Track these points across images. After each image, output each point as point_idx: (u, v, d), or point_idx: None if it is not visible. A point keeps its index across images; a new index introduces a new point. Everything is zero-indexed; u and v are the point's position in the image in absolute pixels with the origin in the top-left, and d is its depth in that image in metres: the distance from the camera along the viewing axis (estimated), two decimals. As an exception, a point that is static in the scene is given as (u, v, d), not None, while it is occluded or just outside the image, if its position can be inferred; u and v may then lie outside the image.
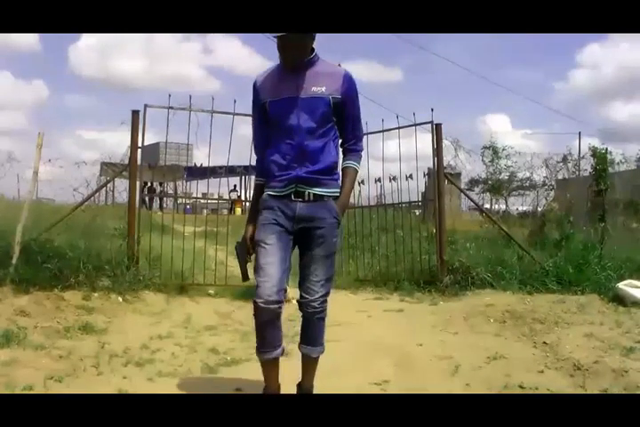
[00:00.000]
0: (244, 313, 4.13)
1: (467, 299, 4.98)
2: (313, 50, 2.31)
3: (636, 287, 4.66)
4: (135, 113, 5.22)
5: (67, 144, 76.73)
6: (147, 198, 13.00)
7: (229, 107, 5.38)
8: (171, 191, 20.21)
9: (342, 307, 4.51)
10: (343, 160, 2.45)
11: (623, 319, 4.10)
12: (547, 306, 4.42)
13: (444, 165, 5.78)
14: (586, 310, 4.37)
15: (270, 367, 2.37)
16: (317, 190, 2.32)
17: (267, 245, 2.28)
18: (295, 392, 2.53)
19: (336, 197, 2.37)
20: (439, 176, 5.69)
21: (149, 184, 14.93)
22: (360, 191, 6.27)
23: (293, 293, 2.75)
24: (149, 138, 5.44)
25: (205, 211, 15.19)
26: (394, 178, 6.10)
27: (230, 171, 5.98)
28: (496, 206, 9.07)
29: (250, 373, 2.84)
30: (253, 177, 2.58)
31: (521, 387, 2.91)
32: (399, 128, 5.86)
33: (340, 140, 2.45)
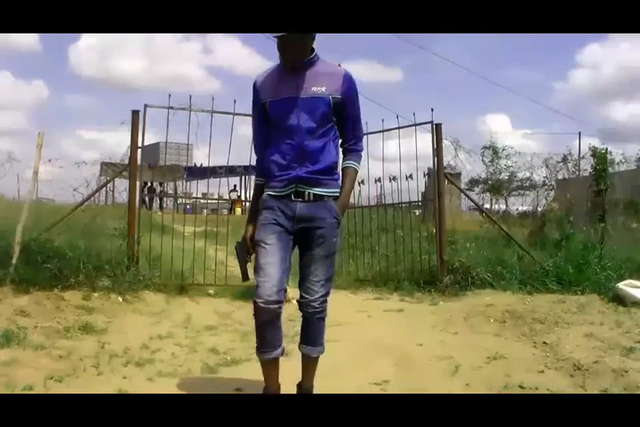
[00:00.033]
0: (244, 313, 4.13)
1: (467, 299, 4.98)
2: (313, 50, 2.31)
3: (636, 287, 4.66)
4: (135, 113, 5.22)
5: (67, 144, 76.84)
6: (147, 198, 13.00)
7: (229, 107, 5.38)
8: (171, 191, 20.22)
9: (342, 307, 4.51)
10: (343, 160, 2.45)
11: (623, 319, 4.10)
12: (547, 306, 4.42)
13: (444, 165, 5.78)
14: (586, 310, 4.37)
15: (270, 367, 2.37)
16: (317, 190, 2.32)
17: (267, 245, 2.28)
18: (295, 392, 2.53)
19: (336, 197, 2.37)
20: (439, 176, 5.69)
21: (149, 184, 14.94)
22: (360, 191, 6.28)
23: (293, 293, 2.75)
24: (149, 138, 5.46)
25: (205, 211, 15.20)
26: (394, 178, 6.10)
27: (230, 171, 5.98)
28: (496, 206, 9.07)
29: (250, 373, 2.84)
30: (253, 177, 2.58)
31: (521, 387, 2.91)
32: (399, 128, 5.86)
33: (340, 140, 2.45)
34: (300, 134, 2.28)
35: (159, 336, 3.86)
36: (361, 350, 3.60)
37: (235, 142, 6.19)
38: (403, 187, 6.02)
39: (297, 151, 2.28)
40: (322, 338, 2.47)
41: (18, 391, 2.67)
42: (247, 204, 5.59)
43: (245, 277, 2.51)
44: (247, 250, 2.41)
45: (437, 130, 5.65)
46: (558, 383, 2.96)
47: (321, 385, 2.53)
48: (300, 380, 2.52)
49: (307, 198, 2.31)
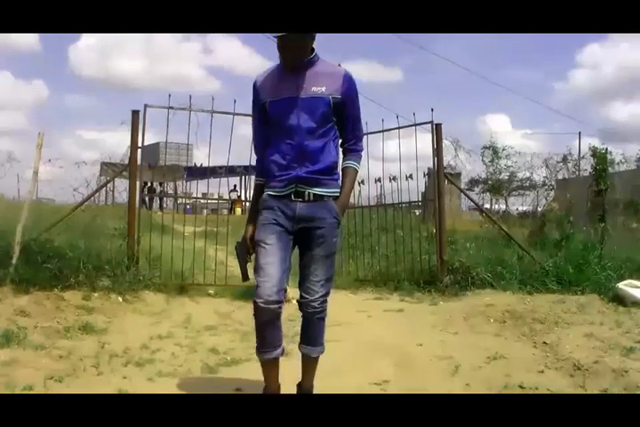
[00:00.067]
0: (244, 313, 4.13)
1: (467, 299, 4.98)
2: (313, 50, 2.31)
3: (636, 287, 4.66)
4: (135, 113, 5.22)
5: (67, 144, 76.84)
6: (147, 198, 13.00)
7: (229, 107, 5.39)
8: (171, 191, 20.22)
9: (342, 307, 4.51)
10: (343, 160, 2.45)
11: (623, 319, 4.10)
12: (547, 306, 4.42)
13: (444, 165, 5.78)
14: (586, 310, 4.37)
15: (270, 367, 2.37)
16: (317, 190, 2.31)
17: (267, 245, 2.28)
18: (295, 392, 2.53)
19: (336, 197, 2.36)
20: (439, 176, 5.69)
21: (149, 184, 14.93)
22: (360, 191, 6.28)
23: (293, 292, 2.75)
24: (149, 138, 5.46)
25: (205, 211, 15.20)
26: (394, 178, 6.11)
27: (230, 171, 5.98)
28: (496, 206, 9.07)
29: (250, 373, 2.84)
30: (253, 177, 2.58)
31: (521, 387, 2.91)
32: (399, 128, 5.86)
33: (340, 140, 2.44)
34: (300, 134, 2.28)
35: (159, 336, 3.86)
36: (361, 350, 3.60)
37: (235, 142, 6.21)
38: (403, 187, 6.03)
39: (297, 151, 2.28)
40: (322, 338, 2.47)
41: (18, 391, 2.67)
42: (247, 204, 5.60)
43: (245, 277, 2.51)
44: (247, 250, 2.41)
45: (437, 130, 5.65)
46: (558, 383, 2.95)
47: (321, 385, 2.53)
48: (299, 380, 2.52)
49: (307, 198, 2.31)
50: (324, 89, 2.28)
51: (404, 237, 6.01)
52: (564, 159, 7.99)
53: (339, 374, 2.98)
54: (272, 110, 2.33)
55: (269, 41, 2.27)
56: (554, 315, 4.20)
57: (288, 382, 2.53)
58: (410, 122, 5.77)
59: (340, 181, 2.40)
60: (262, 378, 2.42)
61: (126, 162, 5.39)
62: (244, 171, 7.33)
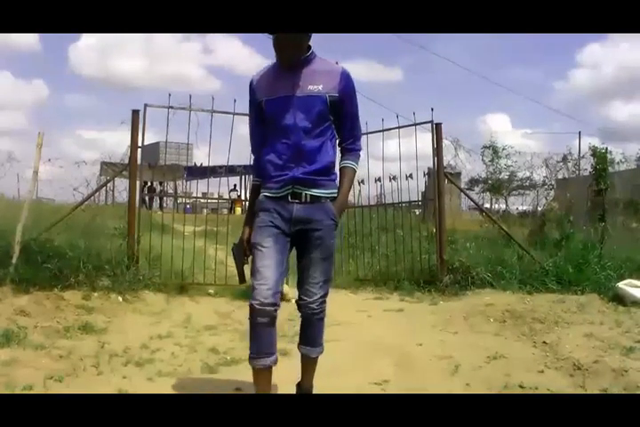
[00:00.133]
0: (244, 313, 4.07)
1: (467, 299, 4.98)
2: (309, 47, 2.27)
3: (636, 287, 4.67)
4: (135, 112, 5.22)
5: (67, 144, 76.87)
6: (147, 198, 12.99)
7: (229, 106, 5.40)
8: (171, 191, 20.20)
9: (342, 307, 4.51)
10: (341, 160, 2.41)
11: (623, 319, 4.10)
12: (547, 306, 4.42)
13: (444, 164, 5.78)
14: (586, 310, 4.37)
15: (261, 376, 2.25)
16: (314, 192, 2.28)
17: (263, 248, 2.24)
18: (295, 392, 2.53)
19: (334, 198, 2.33)
20: (439, 176, 5.69)
21: (149, 184, 14.93)
22: (360, 191, 6.29)
23: (293, 292, 2.75)
24: (149, 137, 5.46)
25: (205, 210, 15.20)
26: (394, 177, 6.11)
27: (230, 170, 5.99)
28: (496, 206, 9.06)
29: (250, 373, 2.82)
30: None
31: (521, 387, 2.91)
32: (399, 128, 5.87)
33: (338, 140, 2.41)
34: (297, 134, 2.24)
35: (159, 336, 3.86)
36: (361, 349, 3.60)
37: (235, 142, 6.21)
38: (403, 186, 6.05)
39: (293, 151, 2.25)
40: (321, 338, 2.46)
41: (18, 391, 2.67)
42: (247, 203, 5.59)
43: (242, 279, 2.49)
44: (244, 252, 2.39)
45: (437, 129, 5.65)
46: (558, 383, 2.95)
47: (321, 385, 2.53)
48: (299, 380, 2.52)
49: (303, 200, 2.27)
50: (320, 87, 2.24)
51: (404, 237, 6.01)
52: (564, 159, 7.98)
53: (339, 374, 2.97)
54: (268, 109, 2.29)
55: (270, 41, 2.25)
56: (554, 314, 4.20)
57: (288, 382, 2.53)
58: (410, 121, 5.79)
59: (337, 182, 2.37)
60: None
61: (126, 161, 5.39)
62: (243, 170, 7.35)
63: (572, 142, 27.07)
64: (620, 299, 4.61)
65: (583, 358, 3.21)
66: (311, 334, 2.43)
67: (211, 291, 5.22)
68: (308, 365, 2.49)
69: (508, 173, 8.94)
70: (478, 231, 6.90)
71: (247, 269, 2.41)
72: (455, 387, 2.93)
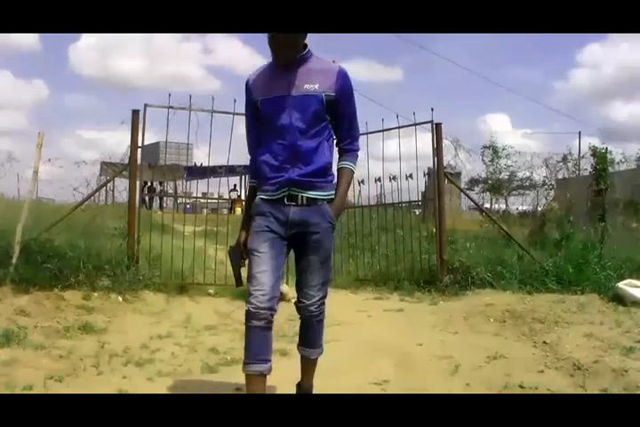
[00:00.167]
0: (244, 313, 4.13)
1: (467, 299, 4.98)
2: (306, 46, 2.23)
3: (636, 287, 4.67)
4: (135, 112, 5.22)
5: (67, 144, 76.84)
6: (147, 198, 12.99)
7: (229, 106, 5.40)
8: (171, 191, 20.19)
9: (342, 307, 4.52)
10: (338, 160, 2.37)
11: (623, 319, 4.10)
12: (547, 306, 4.42)
13: (444, 164, 5.78)
14: (586, 310, 4.37)
15: (253, 383, 2.16)
16: (311, 194, 2.24)
17: (259, 254, 2.20)
18: (295, 392, 2.53)
19: (331, 200, 2.29)
20: (439, 176, 5.69)
21: (149, 184, 14.92)
22: (360, 191, 6.29)
23: (292, 292, 2.75)
24: (149, 137, 5.46)
25: (205, 210, 15.19)
26: (394, 177, 6.11)
27: (230, 170, 5.98)
28: (496, 206, 9.06)
29: (250, 373, 2.84)
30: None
31: (521, 387, 2.91)
32: (399, 128, 5.87)
33: (336, 140, 2.38)
34: (293, 134, 2.21)
35: (159, 336, 3.86)
36: (361, 349, 3.60)
37: (235, 142, 6.19)
38: (403, 186, 6.04)
39: (289, 152, 2.21)
40: (320, 340, 2.45)
41: (18, 391, 2.67)
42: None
43: (239, 282, 2.47)
44: (240, 255, 2.37)
45: (437, 129, 5.65)
46: (558, 383, 2.95)
47: (321, 385, 2.53)
48: (299, 380, 2.52)
49: (300, 202, 2.23)
50: (316, 86, 2.21)
51: (404, 237, 6.01)
52: (564, 159, 7.98)
53: (339, 374, 2.97)
54: (264, 109, 2.26)
55: (268, 40, 2.24)
56: (554, 314, 4.20)
57: (288, 382, 2.53)
58: (410, 121, 5.79)
59: (334, 183, 2.32)
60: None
61: (126, 161, 5.39)
62: (243, 170, 7.31)
63: (572, 142, 27.07)
64: (620, 299, 4.62)
65: (583, 358, 3.21)
66: (311, 335, 2.42)
67: (211, 291, 5.22)
68: (308, 366, 2.48)
69: (508, 173, 8.96)
70: (478, 231, 6.90)
71: (244, 271, 2.40)
72: (455, 387, 2.93)
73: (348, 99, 2.31)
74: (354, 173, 2.40)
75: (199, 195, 12.30)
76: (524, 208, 8.35)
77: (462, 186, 7.02)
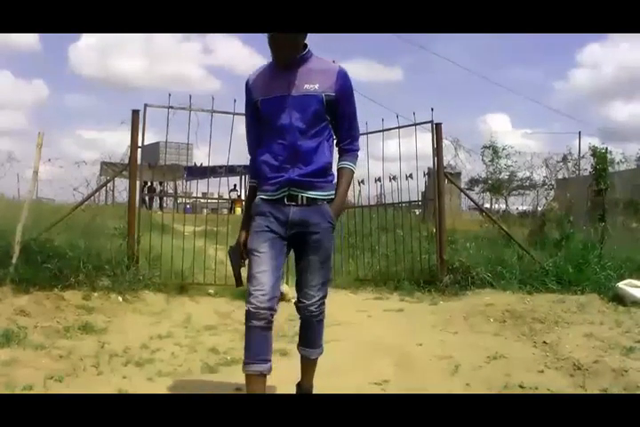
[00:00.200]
0: (244, 313, 4.13)
1: (467, 298, 4.98)
2: (306, 46, 2.23)
3: (636, 287, 4.67)
4: (135, 112, 5.22)
5: (67, 144, 76.85)
6: (147, 198, 12.98)
7: (229, 106, 5.40)
8: (171, 191, 20.19)
9: (342, 307, 4.52)
10: (338, 160, 2.37)
11: (623, 319, 4.10)
12: (547, 306, 4.42)
13: (444, 164, 5.78)
14: (586, 310, 4.37)
15: (253, 383, 2.16)
16: (311, 194, 2.24)
17: (259, 254, 2.20)
18: (295, 392, 2.53)
19: (331, 200, 2.29)
20: (439, 176, 5.69)
21: (149, 184, 14.92)
22: (360, 191, 6.29)
23: (293, 292, 2.75)
24: (149, 137, 5.46)
25: (205, 210, 15.19)
26: (394, 177, 6.11)
27: (230, 170, 5.98)
28: (496, 206, 9.06)
29: (250, 373, 2.83)
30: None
31: (521, 387, 2.91)
32: (399, 128, 5.87)
33: (336, 140, 2.38)
34: (293, 134, 2.20)
35: (159, 336, 3.86)
36: (361, 349, 3.60)
37: (235, 142, 6.20)
38: (403, 186, 6.05)
39: (289, 152, 2.21)
40: (320, 340, 2.45)
41: (18, 391, 2.67)
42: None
43: (239, 282, 2.47)
44: (240, 255, 2.36)
45: (437, 129, 5.65)
46: (558, 383, 2.95)
47: (321, 385, 2.53)
48: (299, 380, 2.52)
49: (300, 202, 2.23)
50: (316, 86, 2.20)
51: (404, 237, 6.01)
52: (564, 159, 7.98)
53: (339, 374, 2.97)
54: (264, 109, 2.26)
55: (268, 40, 2.24)
56: (554, 314, 4.20)
57: (288, 382, 2.53)
58: (410, 121, 5.79)
59: (334, 183, 2.32)
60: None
61: (126, 161, 5.40)
62: (243, 170, 7.31)
63: (572, 142, 27.08)
64: (620, 299, 4.62)
65: (583, 358, 3.21)
66: (311, 335, 2.42)
67: (211, 291, 5.22)
68: (308, 366, 2.48)
69: (508, 173, 8.96)
70: (478, 231, 6.90)
71: (244, 271, 2.40)
72: (455, 387, 2.93)
73: (348, 99, 2.31)
74: (354, 173, 2.40)
75: (199, 195, 12.30)
76: (524, 208, 8.35)
77: (462, 186, 7.02)
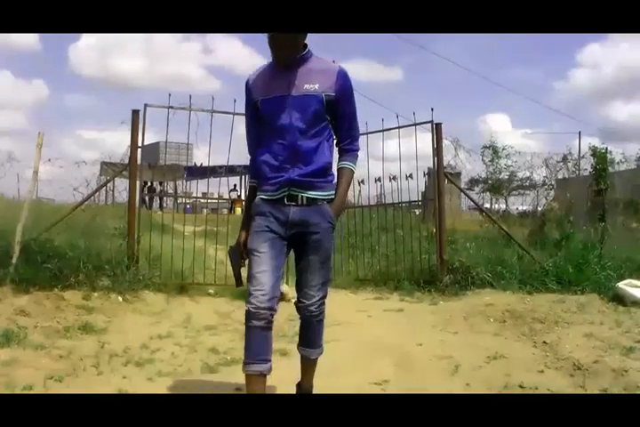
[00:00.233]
0: (244, 313, 4.13)
1: (467, 298, 4.98)
2: (306, 46, 2.23)
3: (636, 287, 4.67)
4: (135, 112, 5.22)
5: (67, 144, 76.86)
6: (147, 198, 12.98)
7: (229, 106, 5.40)
8: (171, 191, 20.19)
9: (342, 307, 4.52)
10: (338, 160, 2.37)
11: (623, 319, 4.10)
12: (547, 306, 4.42)
13: (444, 164, 5.78)
14: (586, 310, 4.37)
15: (253, 383, 2.16)
16: (311, 194, 2.24)
17: (259, 254, 2.20)
18: (295, 392, 2.53)
19: (331, 200, 2.29)
20: (439, 176, 5.69)
21: (149, 184, 14.92)
22: (360, 191, 6.29)
23: (293, 292, 2.75)
24: (149, 137, 5.47)
25: (205, 210, 15.19)
26: (394, 177, 6.12)
27: (230, 170, 5.98)
28: (496, 206, 9.06)
29: (250, 373, 2.83)
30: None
31: (521, 387, 2.91)
32: (399, 128, 5.87)
33: (336, 140, 2.38)
34: (293, 134, 2.20)
35: (159, 336, 3.86)
36: (361, 349, 3.60)
37: (235, 142, 6.20)
38: (403, 186, 6.05)
39: (289, 151, 2.21)
40: (320, 340, 2.45)
41: (18, 391, 2.67)
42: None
43: (239, 282, 2.47)
44: (240, 255, 2.36)
45: (437, 129, 5.65)
46: (558, 383, 2.95)
47: (321, 385, 2.53)
48: (299, 380, 2.52)
49: (300, 202, 2.23)
50: (316, 86, 2.20)
51: (404, 237, 6.01)
52: (564, 159, 7.98)
53: (339, 374, 2.97)
54: (264, 109, 2.26)
55: (268, 40, 2.24)
56: (554, 314, 4.20)
57: (288, 382, 2.53)
58: (410, 121, 5.79)
59: (334, 183, 2.32)
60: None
61: (126, 161, 5.40)
62: (243, 170, 7.31)
63: (572, 142, 27.08)
64: (620, 299, 4.62)
65: (583, 358, 3.21)
66: (311, 335, 2.42)
67: (211, 291, 5.22)
68: (308, 366, 2.48)
69: (508, 173, 8.96)
70: (478, 231, 6.90)
71: (244, 271, 2.40)
72: (455, 387, 2.93)
73: (348, 99, 2.31)
74: (354, 173, 2.39)
75: (199, 195, 12.31)
76: (524, 208, 8.35)
77: (462, 186, 7.02)
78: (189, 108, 5.27)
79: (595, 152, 7.60)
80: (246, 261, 2.33)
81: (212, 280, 5.22)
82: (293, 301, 2.52)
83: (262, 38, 2.19)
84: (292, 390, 2.53)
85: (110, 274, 4.73)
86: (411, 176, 5.96)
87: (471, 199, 6.54)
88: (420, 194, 6.36)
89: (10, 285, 4.29)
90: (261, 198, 2.28)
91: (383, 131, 5.84)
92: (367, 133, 5.64)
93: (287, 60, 2.21)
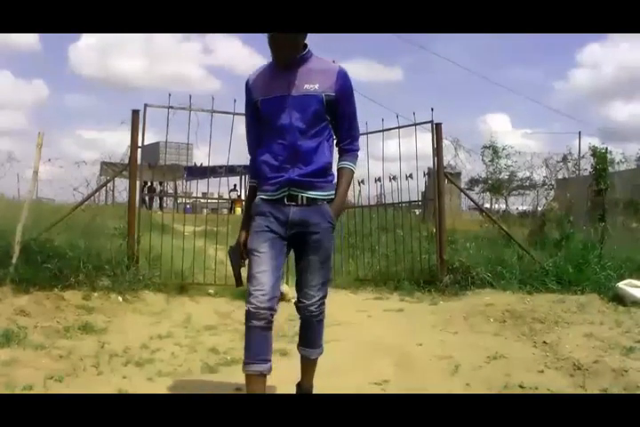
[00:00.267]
0: (244, 313, 4.13)
1: (467, 298, 4.98)
2: (306, 46, 2.23)
3: (636, 287, 4.67)
4: (135, 112, 5.22)
5: (67, 144, 76.88)
6: (147, 198, 12.98)
7: (229, 106, 5.40)
8: (171, 191, 20.19)
9: (342, 306, 4.52)
10: (338, 160, 2.37)
11: (623, 319, 4.10)
12: (547, 306, 4.42)
13: (444, 164, 5.78)
14: (586, 310, 4.37)
15: (253, 383, 2.16)
16: (311, 194, 2.24)
17: (260, 254, 2.20)
18: (295, 392, 2.53)
19: (331, 200, 2.29)
20: (439, 176, 5.69)
21: (149, 184, 14.92)
22: (360, 191, 6.29)
23: (293, 292, 2.75)
24: (149, 137, 5.47)
25: (205, 210, 15.19)
26: (394, 177, 6.12)
27: (230, 170, 5.98)
28: (496, 206, 9.06)
29: (250, 373, 2.83)
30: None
31: (521, 387, 2.91)
32: (399, 128, 5.87)
33: (336, 140, 2.38)
34: (293, 134, 2.20)
35: (159, 336, 3.86)
36: (361, 349, 3.60)
37: (235, 142, 6.20)
38: (403, 186, 6.05)
39: (289, 151, 2.21)
40: (320, 340, 2.45)
41: (18, 391, 2.67)
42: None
43: (239, 282, 2.47)
44: (240, 255, 2.36)
45: (437, 129, 5.65)
46: (558, 383, 2.95)
47: (321, 385, 2.53)
48: (299, 380, 2.52)
49: (300, 202, 2.23)
50: (316, 86, 2.20)
51: (404, 237, 6.01)
52: (564, 159, 7.98)
53: (339, 374, 2.97)
54: (264, 109, 2.26)
55: (268, 40, 2.24)
56: (554, 314, 4.20)
57: (288, 382, 2.53)
58: (410, 121, 5.79)
59: (334, 183, 2.32)
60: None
61: (126, 161, 5.40)
62: (243, 170, 7.31)
63: (572, 142, 27.08)
64: (620, 299, 4.62)
65: (583, 358, 3.21)
66: (311, 335, 2.42)
67: (211, 291, 5.22)
68: (308, 366, 2.48)
69: (508, 173, 8.96)
70: (478, 231, 6.90)
71: (244, 271, 2.40)
72: (455, 387, 2.93)
73: (348, 99, 2.31)
74: (354, 173, 2.39)
75: (199, 195, 12.31)
76: (524, 208, 8.35)
77: (462, 186, 7.02)
78: (189, 108, 5.27)
79: (595, 152, 7.60)
80: (246, 262, 2.32)
81: (212, 280, 5.22)
82: (293, 301, 2.52)
83: (262, 38, 2.19)
84: (292, 390, 2.53)
85: (110, 274, 4.73)
86: (411, 176, 5.96)
87: (471, 199, 6.55)
88: (419, 194, 6.36)
89: (10, 285, 4.29)
90: (261, 198, 2.28)
91: (383, 131, 5.84)
92: (367, 133, 5.64)
93: (287, 60, 2.21)
